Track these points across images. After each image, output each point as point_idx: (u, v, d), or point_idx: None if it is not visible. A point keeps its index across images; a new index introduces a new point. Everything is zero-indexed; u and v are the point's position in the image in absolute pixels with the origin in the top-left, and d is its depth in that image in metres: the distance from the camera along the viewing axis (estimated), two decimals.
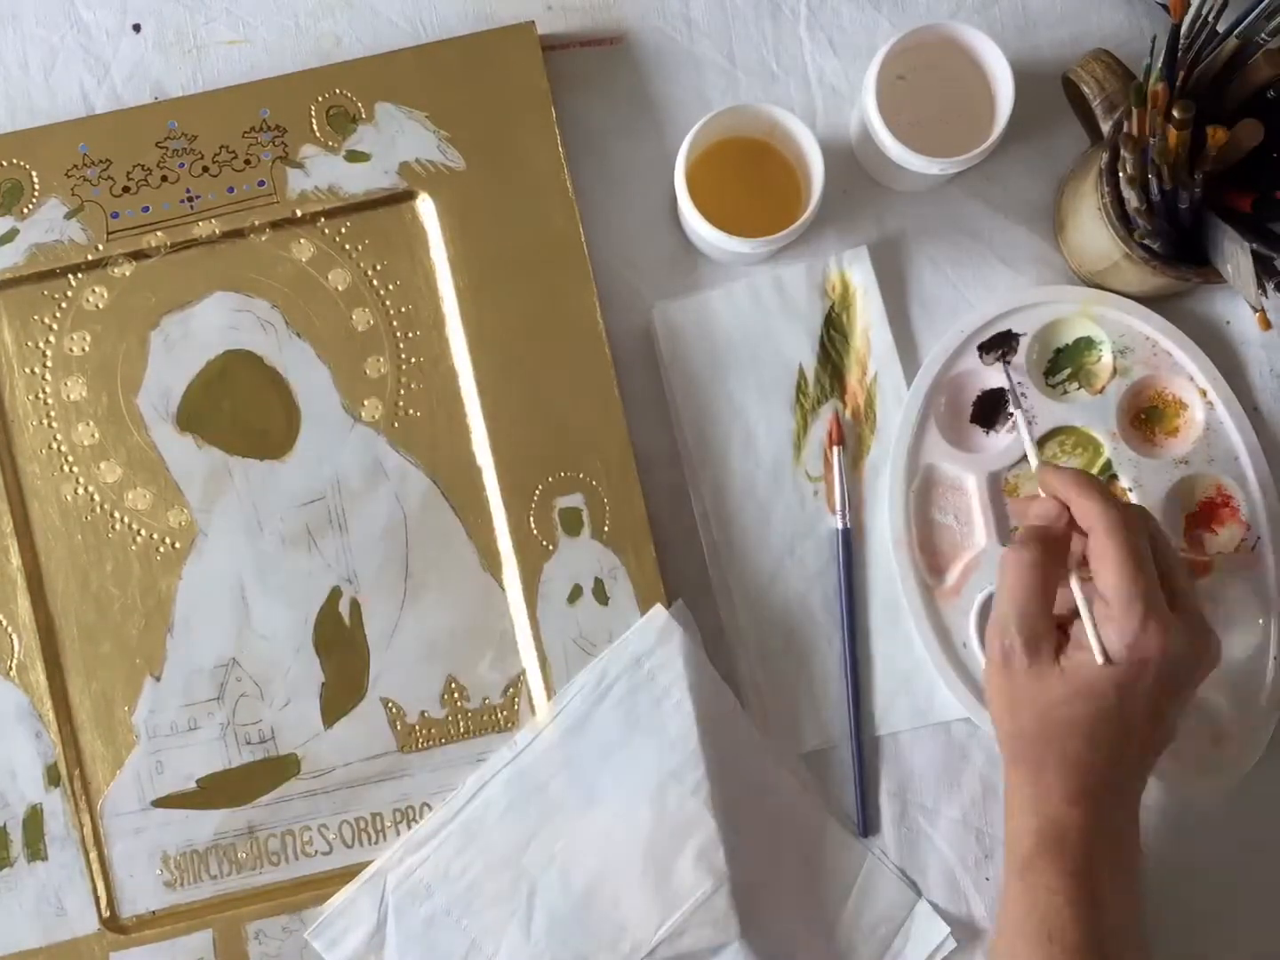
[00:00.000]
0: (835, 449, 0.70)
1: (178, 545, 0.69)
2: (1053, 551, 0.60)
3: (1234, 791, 0.69)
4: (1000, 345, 0.70)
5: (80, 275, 0.69)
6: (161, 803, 0.68)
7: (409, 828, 0.68)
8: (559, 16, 0.72)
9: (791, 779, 0.69)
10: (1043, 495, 0.63)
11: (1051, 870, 0.59)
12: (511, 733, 0.68)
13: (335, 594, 0.69)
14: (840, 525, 0.70)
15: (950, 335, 0.71)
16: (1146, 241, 0.64)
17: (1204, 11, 0.61)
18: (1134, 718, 0.59)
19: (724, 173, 0.69)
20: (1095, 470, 0.70)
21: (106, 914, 0.67)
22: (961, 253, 0.72)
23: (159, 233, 0.69)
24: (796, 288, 0.71)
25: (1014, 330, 0.70)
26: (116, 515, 0.69)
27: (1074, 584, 0.61)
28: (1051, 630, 0.60)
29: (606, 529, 0.68)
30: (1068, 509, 0.61)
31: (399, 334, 0.70)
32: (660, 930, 0.65)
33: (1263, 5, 0.61)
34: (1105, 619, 0.59)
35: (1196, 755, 0.69)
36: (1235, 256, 0.60)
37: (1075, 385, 0.71)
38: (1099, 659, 0.58)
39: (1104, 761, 0.59)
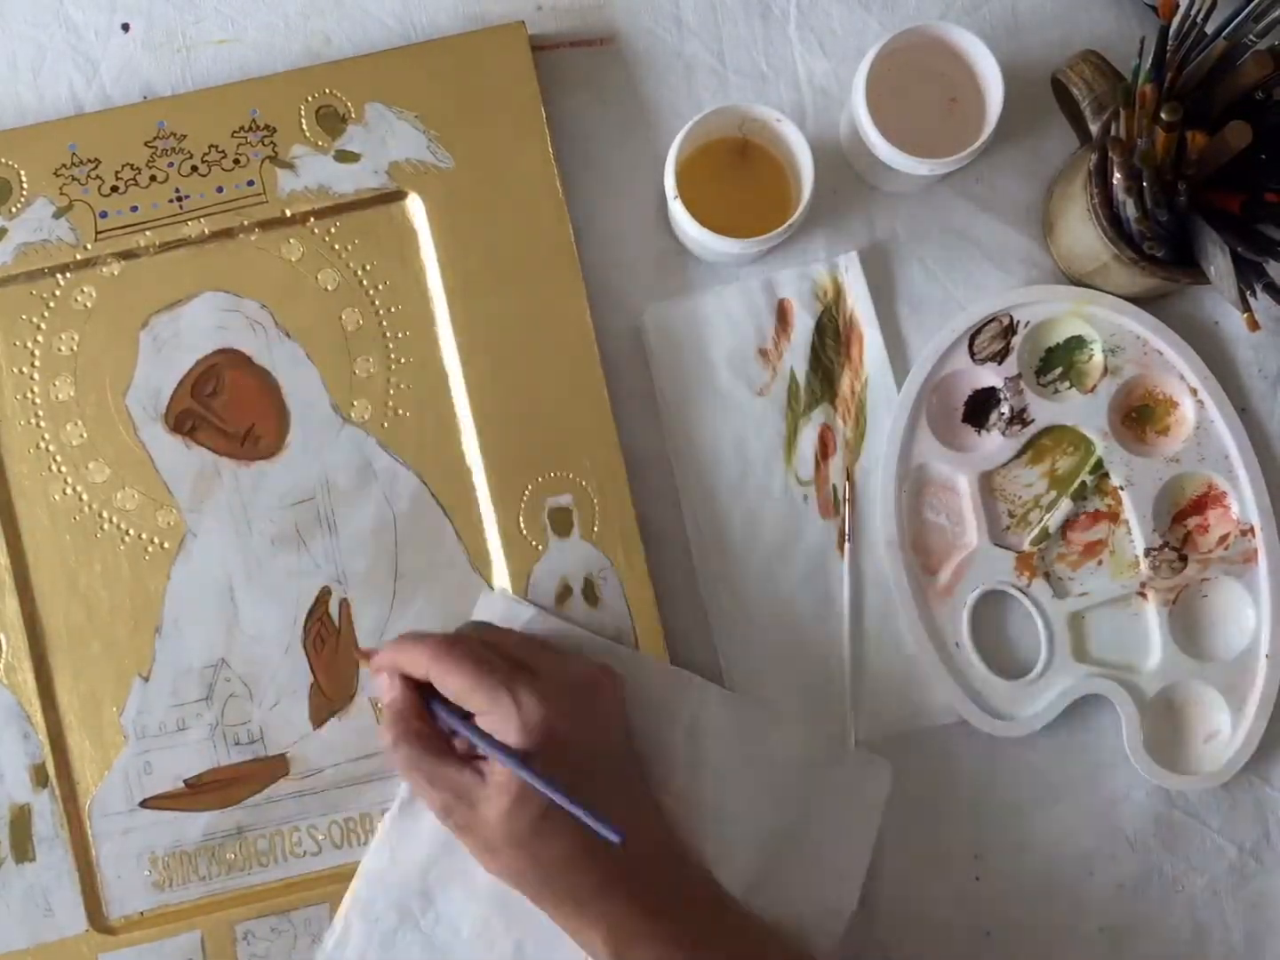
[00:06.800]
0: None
1: (166, 545, 0.68)
2: (417, 727, 0.61)
3: (1227, 790, 0.70)
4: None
5: (69, 275, 0.69)
6: (150, 803, 0.68)
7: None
8: (549, 17, 0.72)
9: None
10: (377, 677, 0.64)
11: None
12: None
13: (324, 594, 0.69)
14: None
15: (941, 335, 0.71)
16: (1148, 248, 0.64)
17: (1192, 13, 0.61)
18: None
19: (714, 173, 0.69)
20: (1087, 469, 0.70)
21: (94, 915, 0.67)
22: (951, 253, 0.72)
23: (148, 232, 0.69)
24: (787, 291, 0.71)
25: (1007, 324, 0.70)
26: (105, 515, 0.68)
27: (454, 724, 0.61)
28: (466, 770, 0.60)
29: (596, 530, 0.68)
30: (403, 676, 0.62)
31: (388, 334, 0.70)
32: None
33: (1251, 7, 0.61)
34: (490, 725, 0.60)
35: (1190, 754, 0.69)
36: (1215, 258, 0.60)
37: (1067, 384, 0.71)
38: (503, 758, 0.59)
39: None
